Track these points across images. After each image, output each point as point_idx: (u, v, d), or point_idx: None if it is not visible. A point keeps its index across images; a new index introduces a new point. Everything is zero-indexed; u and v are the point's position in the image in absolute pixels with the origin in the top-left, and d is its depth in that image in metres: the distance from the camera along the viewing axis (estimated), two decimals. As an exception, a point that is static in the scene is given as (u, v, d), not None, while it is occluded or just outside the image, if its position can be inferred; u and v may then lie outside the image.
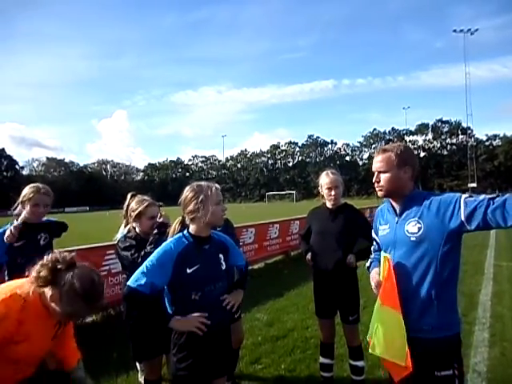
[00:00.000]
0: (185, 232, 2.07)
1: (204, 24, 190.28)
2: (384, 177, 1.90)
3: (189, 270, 1.97)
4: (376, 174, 1.94)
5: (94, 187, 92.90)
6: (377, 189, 1.96)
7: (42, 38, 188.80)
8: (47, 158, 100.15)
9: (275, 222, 9.96)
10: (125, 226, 3.18)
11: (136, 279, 1.92)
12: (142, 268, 1.94)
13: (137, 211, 2.79)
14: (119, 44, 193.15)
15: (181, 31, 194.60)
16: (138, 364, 3.45)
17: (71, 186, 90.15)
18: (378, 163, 1.93)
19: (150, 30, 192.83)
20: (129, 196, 3.09)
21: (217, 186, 2.11)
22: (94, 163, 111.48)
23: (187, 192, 2.06)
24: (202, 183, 2.09)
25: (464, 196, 1.73)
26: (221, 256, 2.12)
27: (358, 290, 3.04)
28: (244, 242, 8.49)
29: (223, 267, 2.11)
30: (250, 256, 8.66)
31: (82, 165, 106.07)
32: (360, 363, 2.95)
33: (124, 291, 1.98)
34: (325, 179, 2.97)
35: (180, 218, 2.15)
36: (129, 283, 1.94)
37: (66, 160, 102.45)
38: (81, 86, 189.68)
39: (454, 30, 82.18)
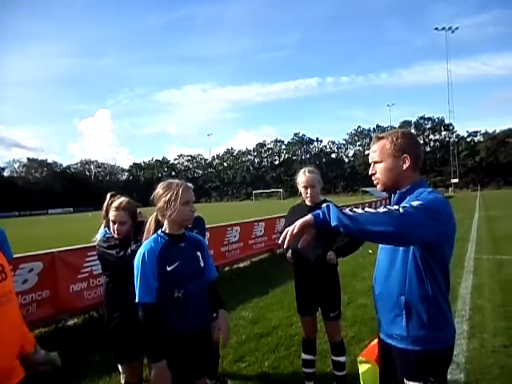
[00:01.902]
0: (159, 232, 2.08)
1: (187, 22, 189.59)
2: (379, 168, 1.72)
3: (169, 268, 1.98)
4: (372, 165, 1.76)
5: (77, 188, 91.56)
6: (375, 181, 1.77)
7: (21, 35, 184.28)
8: (28, 159, 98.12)
9: (260, 220, 9.97)
10: (104, 227, 3.14)
11: (141, 294, 1.95)
12: (139, 280, 1.96)
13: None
14: (101, 42, 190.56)
15: (163, 30, 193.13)
16: (119, 366, 3.42)
17: (54, 187, 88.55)
18: (372, 153, 1.75)
19: (132, 29, 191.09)
20: (108, 196, 3.04)
21: (189, 185, 2.10)
22: (77, 163, 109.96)
23: (158, 189, 2.08)
24: (174, 181, 2.08)
25: (414, 203, 1.50)
26: (198, 254, 2.13)
27: (339, 287, 3.05)
28: (229, 240, 8.48)
29: (202, 264, 2.12)
30: (236, 254, 8.66)
31: (64, 165, 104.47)
32: (342, 358, 2.98)
33: (140, 314, 1.96)
34: (301, 178, 2.98)
35: (154, 214, 2.15)
36: (138, 301, 1.95)
37: (49, 160, 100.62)
38: (61, 85, 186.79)
39: (436, 28, 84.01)
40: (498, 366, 3.26)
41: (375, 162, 1.74)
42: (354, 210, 1.46)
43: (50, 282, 4.78)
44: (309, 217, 1.47)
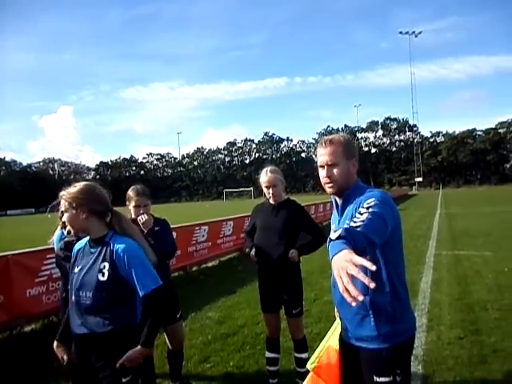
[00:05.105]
0: None
1: (152, 18, 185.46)
2: (335, 170, 1.74)
3: (75, 270, 1.95)
4: (326, 168, 1.76)
5: (40, 187, 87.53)
6: (327, 185, 1.78)
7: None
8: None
9: (229, 219, 9.94)
10: (61, 228, 3.03)
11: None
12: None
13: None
14: (61, 36, 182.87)
15: (128, 26, 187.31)
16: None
17: (14, 187, 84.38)
18: (326, 156, 1.76)
19: (95, 24, 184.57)
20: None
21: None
22: (39, 162, 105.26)
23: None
24: (89, 187, 1.96)
25: (370, 201, 1.57)
26: (104, 265, 1.86)
27: (302, 284, 3.08)
28: (197, 240, 8.39)
29: (103, 278, 1.84)
30: (204, 254, 8.59)
31: (24, 164, 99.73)
32: (304, 355, 3.00)
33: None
34: (263, 178, 3.00)
35: None
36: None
37: (7, 159, 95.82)
38: (18, 80, 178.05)
39: (400, 32, 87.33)
40: (452, 358, 3.40)
41: (330, 165, 1.75)
42: (355, 221, 1.45)
43: (3, 287, 4.54)
44: (347, 250, 1.25)
